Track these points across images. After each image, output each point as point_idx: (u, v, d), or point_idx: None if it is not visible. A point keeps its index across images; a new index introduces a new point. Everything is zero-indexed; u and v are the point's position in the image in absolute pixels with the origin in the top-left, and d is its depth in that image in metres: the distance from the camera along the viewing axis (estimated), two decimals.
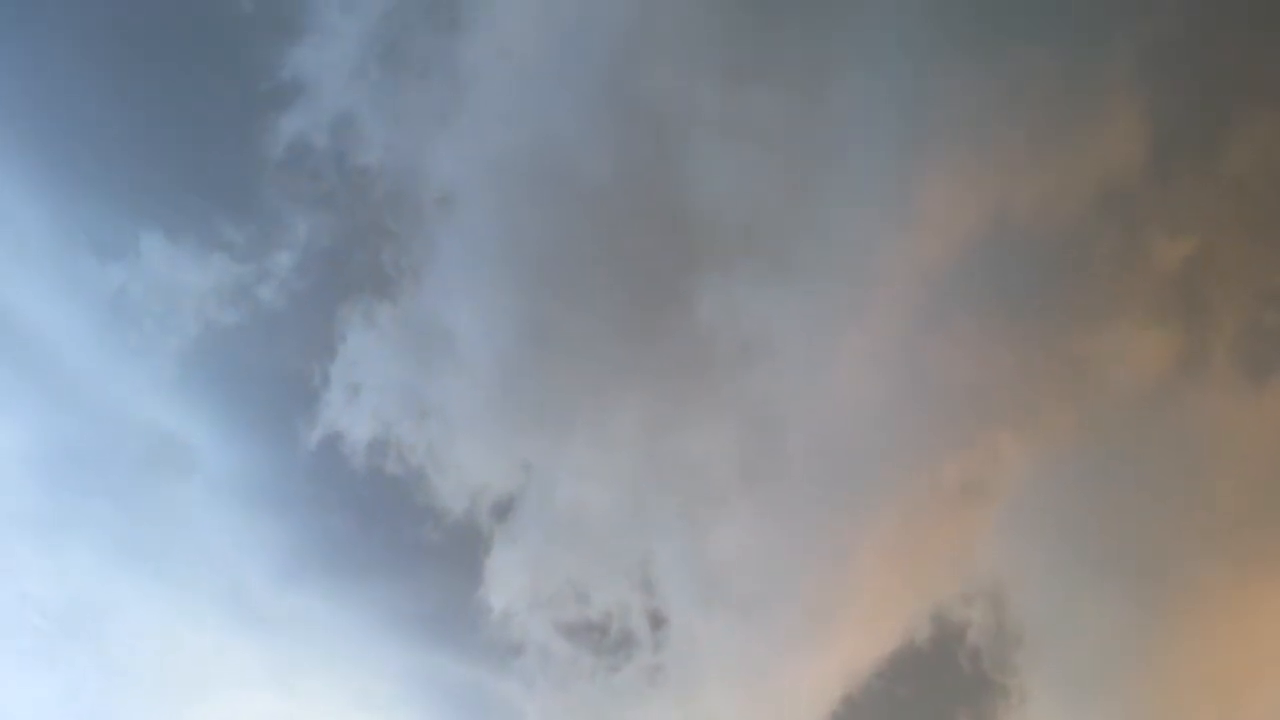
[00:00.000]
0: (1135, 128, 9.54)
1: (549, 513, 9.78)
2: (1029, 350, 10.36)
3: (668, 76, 8.74)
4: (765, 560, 10.44)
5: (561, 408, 9.75)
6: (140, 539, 9.80)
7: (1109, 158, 9.66)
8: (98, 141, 8.73)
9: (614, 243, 9.21)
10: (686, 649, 10.38)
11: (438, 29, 8.73)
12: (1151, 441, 10.17)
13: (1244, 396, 10.11)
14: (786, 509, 10.61)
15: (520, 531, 9.82)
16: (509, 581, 10.10)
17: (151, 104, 8.78)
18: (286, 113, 8.94)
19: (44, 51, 8.56)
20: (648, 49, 8.64)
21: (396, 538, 9.95)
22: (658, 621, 10.24)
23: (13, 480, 9.40)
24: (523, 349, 9.56)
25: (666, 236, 9.30)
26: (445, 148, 9.03)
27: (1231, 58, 9.43)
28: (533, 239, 9.15)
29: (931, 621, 10.48)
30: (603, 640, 10.23)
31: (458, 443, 9.66)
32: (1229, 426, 10.15)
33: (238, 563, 9.88)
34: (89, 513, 9.70)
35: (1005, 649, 10.38)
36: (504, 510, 9.82)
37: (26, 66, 8.67)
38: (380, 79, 8.89)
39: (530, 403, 9.71)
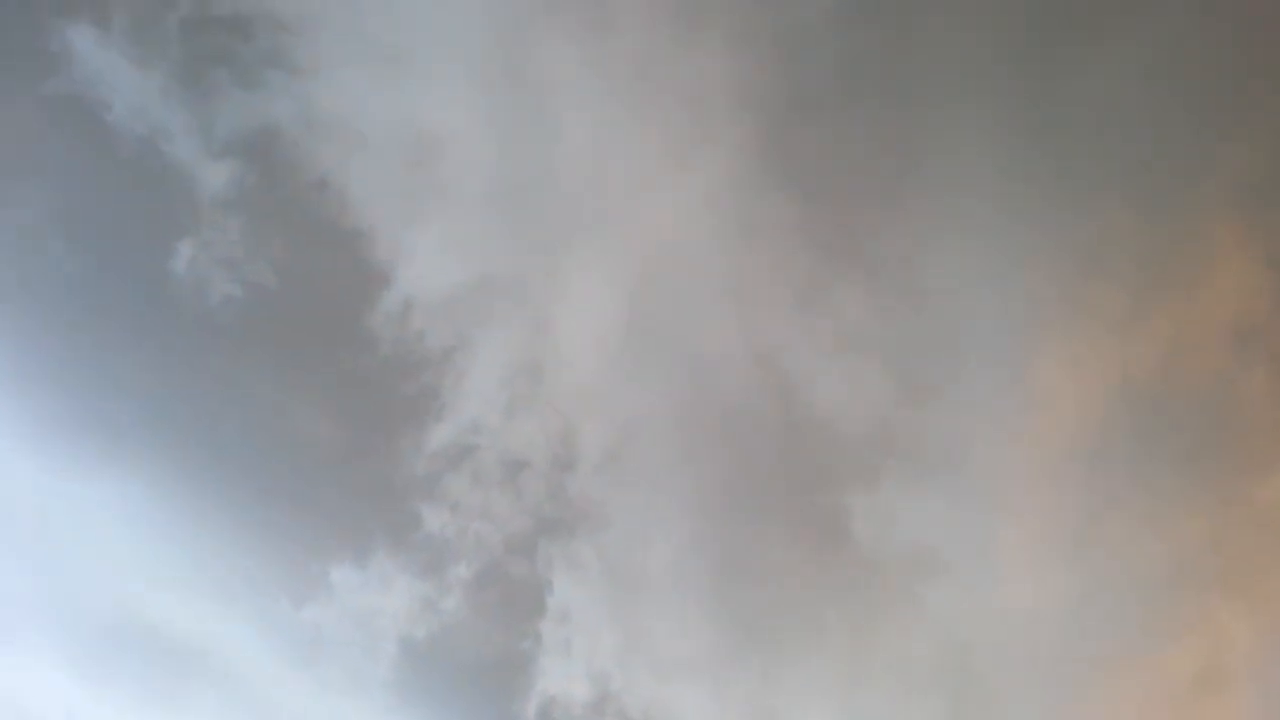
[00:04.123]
0: (1246, 255, 9.69)
1: None
2: (1209, 513, 10.00)
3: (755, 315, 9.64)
4: None
5: (766, 639, 9.83)
6: None
7: (1227, 292, 9.74)
8: (285, 480, 9.76)
9: (764, 464, 9.69)
10: None
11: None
12: None
13: None
14: None
15: None
16: None
17: (332, 436, 9.91)
18: (438, 424, 9.81)
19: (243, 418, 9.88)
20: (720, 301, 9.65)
21: None
22: None
23: None
24: (716, 580, 9.80)
25: (812, 456, 9.69)
26: (590, 425, 9.84)
27: None
28: (695, 475, 9.72)
29: None
30: None
31: (674, 690, 9.77)
32: None
33: None
34: None
35: None
36: None
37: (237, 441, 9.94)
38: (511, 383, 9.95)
39: (734, 635, 9.82)
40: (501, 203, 9.30)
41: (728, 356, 9.58)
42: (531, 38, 8.93)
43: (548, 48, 8.94)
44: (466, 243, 9.30)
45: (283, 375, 9.59)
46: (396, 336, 9.52)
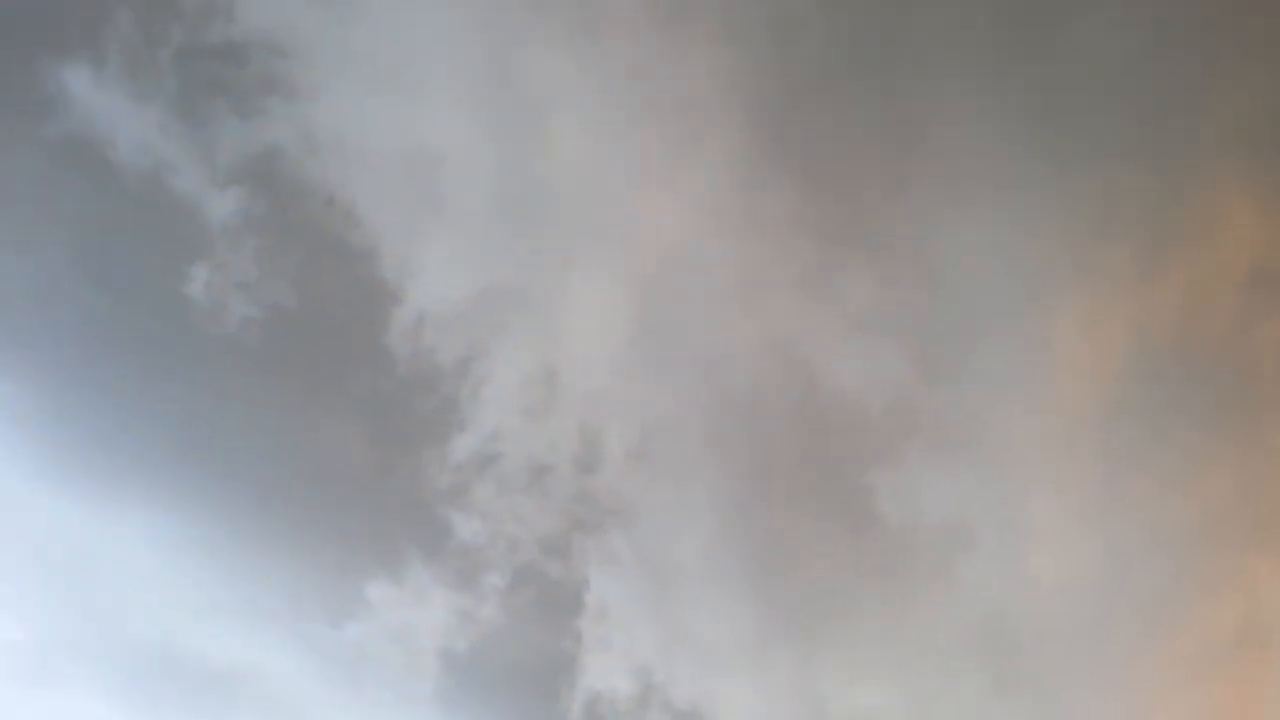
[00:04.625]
0: (1255, 201, 9.65)
1: None
2: (1234, 465, 9.96)
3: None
4: None
5: (804, 622, 9.90)
6: None
7: (1239, 240, 9.71)
8: (315, 499, 9.80)
9: (787, 451, 9.75)
10: None
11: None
12: None
13: None
14: (1053, 699, 10.04)
15: None
16: None
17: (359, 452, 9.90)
18: (461, 435, 9.85)
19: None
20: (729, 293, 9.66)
21: None
22: None
23: None
24: (749, 568, 9.88)
25: (834, 439, 9.73)
26: (611, 424, 9.88)
27: None
28: (720, 466, 9.79)
29: None
30: None
31: (718, 679, 9.84)
32: None
33: None
34: None
35: None
36: None
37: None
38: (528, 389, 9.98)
39: (772, 621, 9.89)
40: (504, 212, 9.34)
41: (742, 348, 9.61)
42: (522, 46, 8.96)
43: (539, 54, 8.97)
44: (472, 254, 9.35)
45: (304, 394, 9.65)
46: (413, 351, 9.56)
